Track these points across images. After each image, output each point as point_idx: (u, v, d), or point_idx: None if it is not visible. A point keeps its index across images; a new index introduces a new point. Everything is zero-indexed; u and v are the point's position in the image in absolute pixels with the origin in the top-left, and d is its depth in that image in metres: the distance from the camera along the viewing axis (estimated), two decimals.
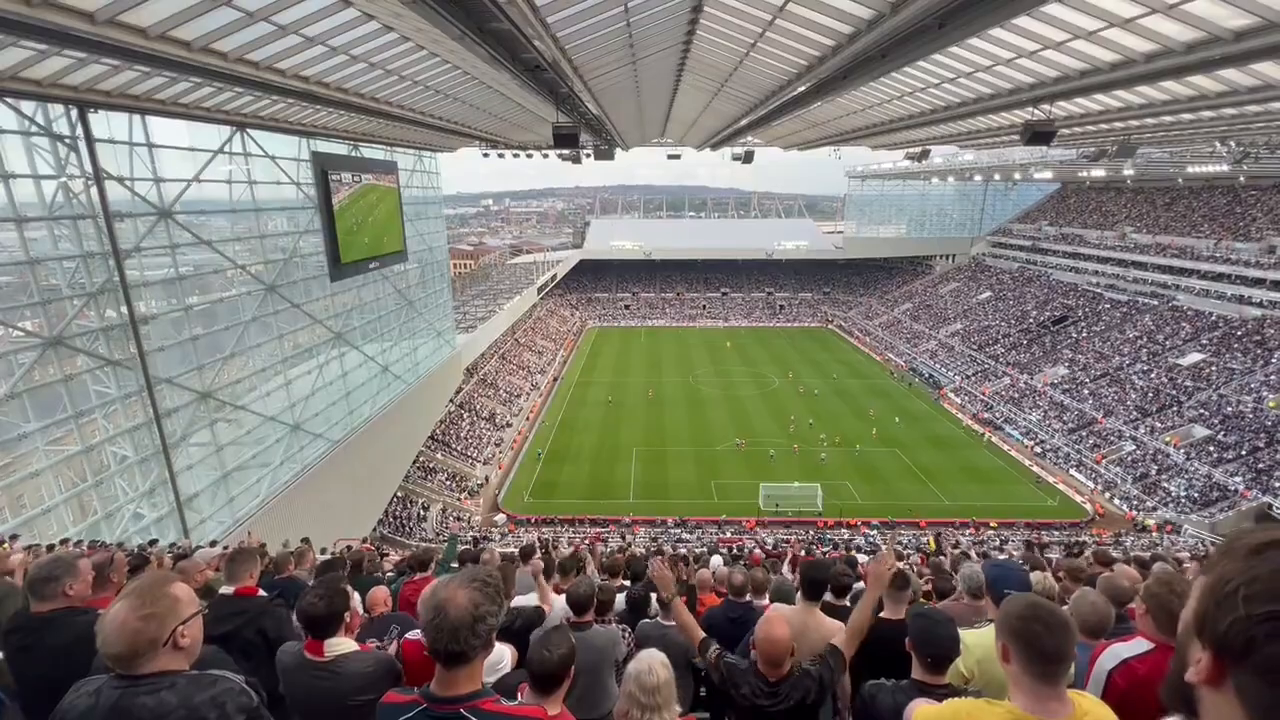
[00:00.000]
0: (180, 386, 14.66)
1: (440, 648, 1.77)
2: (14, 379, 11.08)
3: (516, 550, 8.03)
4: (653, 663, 2.28)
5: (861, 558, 10.29)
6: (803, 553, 14.67)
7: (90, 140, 11.82)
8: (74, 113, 11.46)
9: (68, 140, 11.60)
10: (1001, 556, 16.92)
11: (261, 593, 3.65)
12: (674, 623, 4.18)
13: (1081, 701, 1.75)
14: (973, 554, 17.30)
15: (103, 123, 12.12)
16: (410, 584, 5.29)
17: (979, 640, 2.88)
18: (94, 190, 12.16)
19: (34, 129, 11.14)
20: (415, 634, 3.25)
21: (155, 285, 14.32)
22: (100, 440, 12.91)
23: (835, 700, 3.53)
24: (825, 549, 21.02)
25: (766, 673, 2.81)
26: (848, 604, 4.22)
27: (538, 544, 11.84)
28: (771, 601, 4.61)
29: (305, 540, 10.42)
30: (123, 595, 1.74)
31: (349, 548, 10.50)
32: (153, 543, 10.88)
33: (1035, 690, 1.68)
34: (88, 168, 11.95)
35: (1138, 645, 2.53)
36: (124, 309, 12.90)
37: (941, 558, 10.73)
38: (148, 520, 13.80)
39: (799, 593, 3.89)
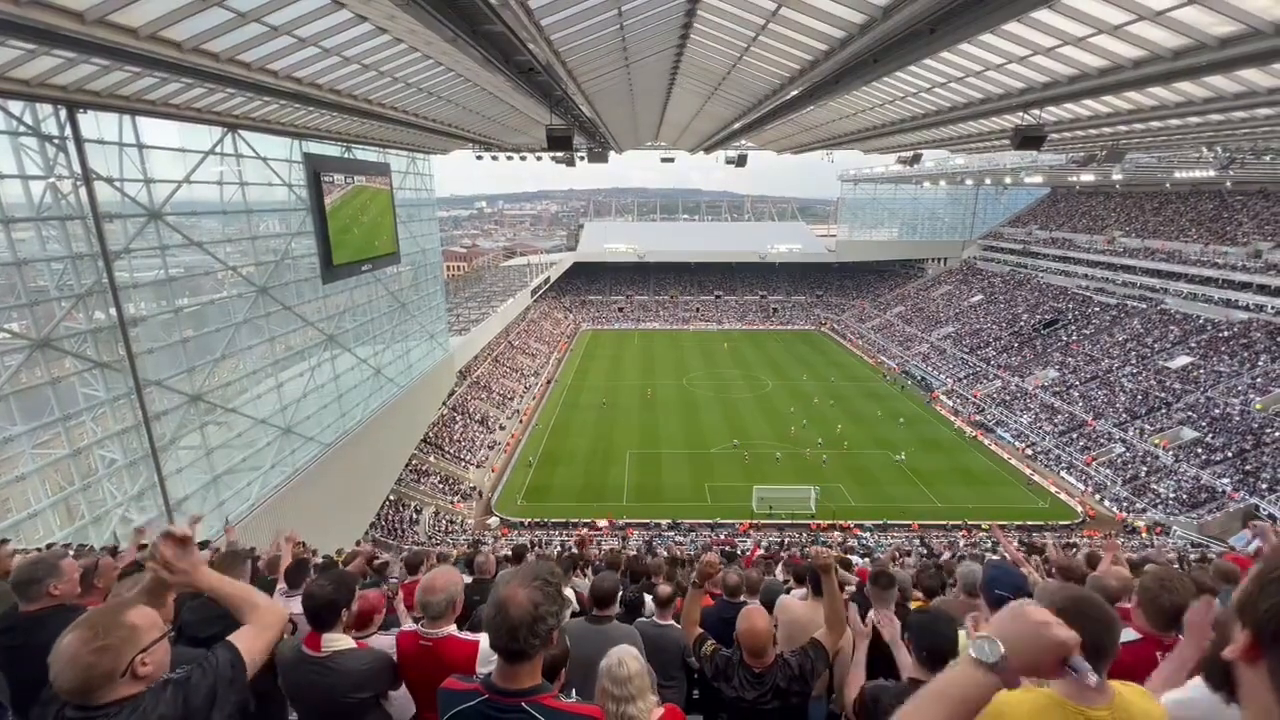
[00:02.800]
0: (170, 389, 14.53)
1: (500, 645, 1.80)
2: (0, 381, 10.94)
3: (509, 552, 7.99)
4: (623, 655, 2.31)
5: (855, 559, 10.31)
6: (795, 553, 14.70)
7: (79, 140, 11.71)
8: (63, 113, 11.35)
9: (56, 140, 11.48)
10: (994, 557, 17.00)
11: None
12: (670, 621, 4.20)
13: (1125, 691, 1.71)
14: (959, 551, 17.39)
15: (92, 123, 12.01)
16: (403, 585, 5.27)
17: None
18: (83, 191, 12.04)
19: (22, 129, 11.02)
20: (410, 627, 3.25)
21: (145, 287, 14.18)
22: (88, 443, 12.77)
23: (829, 695, 3.56)
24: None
25: (751, 663, 2.92)
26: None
27: (528, 546, 11.80)
28: (761, 602, 4.62)
29: (300, 544, 10.35)
30: (74, 626, 1.65)
31: (339, 550, 10.42)
32: (142, 547, 10.75)
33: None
34: (76, 168, 11.83)
35: (1125, 634, 2.59)
36: (113, 311, 12.77)
37: (929, 559, 10.78)
38: (136, 524, 13.65)
39: (808, 589, 3.96)
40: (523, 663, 1.83)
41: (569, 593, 4.30)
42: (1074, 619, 1.65)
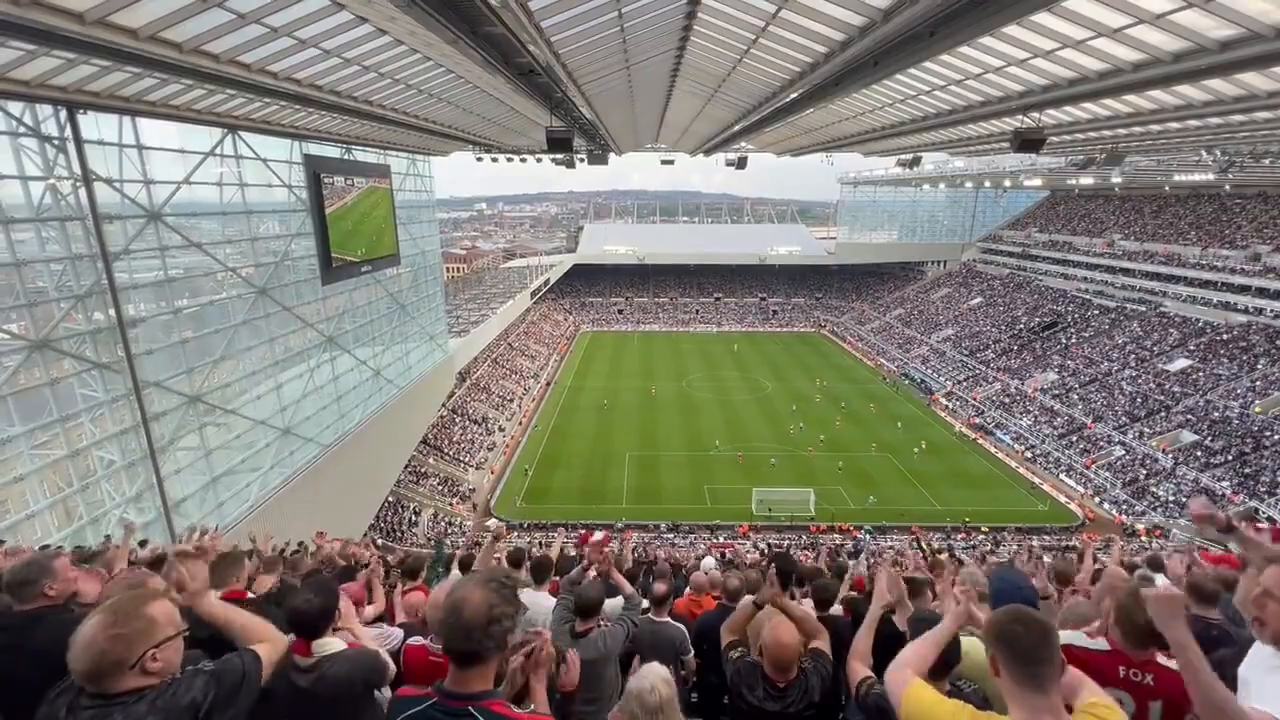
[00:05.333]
0: (169, 390, 14.50)
1: (454, 647, 1.77)
2: None
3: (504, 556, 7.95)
4: (655, 681, 2.19)
5: (851, 562, 10.23)
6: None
7: (79, 141, 11.70)
8: (63, 114, 11.34)
9: (56, 141, 11.47)
10: (995, 559, 16.98)
11: (249, 596, 3.61)
12: (665, 619, 4.23)
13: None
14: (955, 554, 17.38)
15: (92, 124, 12.00)
16: (402, 592, 5.21)
17: (974, 645, 2.87)
18: (82, 192, 12.03)
19: (22, 130, 11.02)
20: (417, 640, 3.22)
21: (144, 288, 14.17)
22: (86, 444, 12.74)
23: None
24: (814, 554, 21.04)
25: (775, 677, 2.86)
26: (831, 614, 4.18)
27: (527, 549, 11.74)
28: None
29: (301, 544, 10.33)
30: (99, 610, 1.70)
31: (300, 543, 10.31)
32: (143, 544, 10.73)
33: (1028, 700, 1.65)
34: (76, 169, 11.82)
35: (1097, 642, 2.61)
36: (112, 312, 12.75)
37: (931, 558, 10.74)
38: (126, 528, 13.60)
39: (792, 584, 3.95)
40: (474, 666, 1.80)
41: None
42: (1011, 626, 1.71)
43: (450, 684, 1.84)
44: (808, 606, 4.01)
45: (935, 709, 1.87)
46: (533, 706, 2.17)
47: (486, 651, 1.78)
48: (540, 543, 24.21)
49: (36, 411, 11.82)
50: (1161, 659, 2.46)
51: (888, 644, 3.09)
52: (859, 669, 2.65)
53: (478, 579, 1.83)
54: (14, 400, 11.31)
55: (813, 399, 44.30)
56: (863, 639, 2.80)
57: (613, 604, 4.92)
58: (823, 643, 3.05)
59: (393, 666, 3.07)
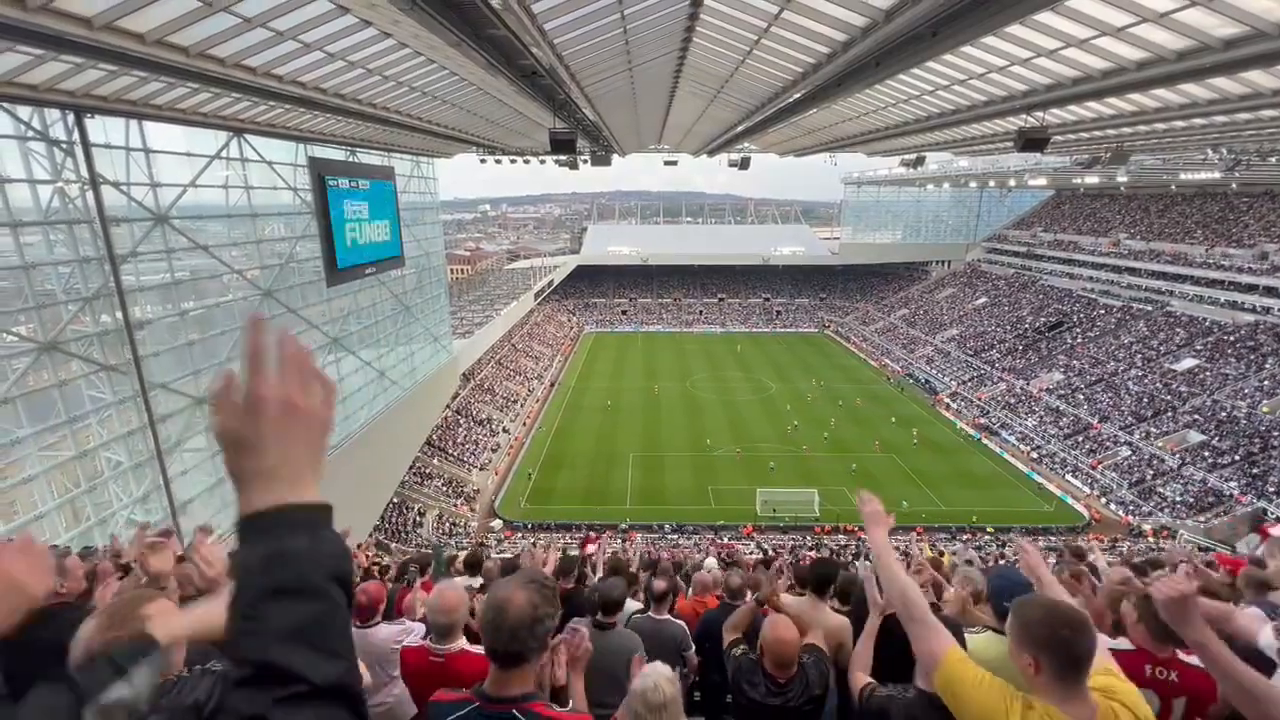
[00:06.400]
0: (175, 392, 14.59)
1: (499, 648, 1.79)
2: (8, 384, 11.01)
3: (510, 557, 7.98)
4: (659, 679, 2.19)
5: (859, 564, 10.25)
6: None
7: (87, 145, 11.80)
8: (70, 117, 11.44)
9: (64, 145, 11.57)
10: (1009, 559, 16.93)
11: None
12: (666, 616, 4.26)
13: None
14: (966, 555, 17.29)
15: (99, 127, 12.11)
16: (405, 590, 5.26)
17: (977, 643, 2.86)
18: (90, 195, 12.13)
19: (30, 134, 11.12)
20: (415, 641, 3.24)
21: (151, 290, 14.26)
22: (94, 446, 12.83)
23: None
24: (821, 556, 21.00)
25: (775, 674, 2.89)
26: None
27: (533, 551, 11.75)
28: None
29: None
30: (96, 613, 1.70)
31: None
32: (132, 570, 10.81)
33: (1070, 692, 1.68)
34: (84, 172, 11.92)
35: (1120, 642, 2.64)
36: (119, 314, 12.85)
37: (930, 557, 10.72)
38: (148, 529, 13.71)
39: (808, 587, 3.96)
40: (517, 667, 1.82)
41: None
42: (1059, 631, 1.68)
43: (491, 687, 1.84)
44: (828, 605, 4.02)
45: (980, 684, 1.83)
46: (571, 703, 2.20)
47: (529, 652, 1.80)
48: (542, 543, 24.25)
49: (45, 413, 11.90)
50: (1184, 656, 2.50)
51: (895, 647, 3.09)
52: (860, 677, 2.64)
53: (520, 580, 1.84)
54: (22, 402, 11.40)
55: (806, 398, 44.32)
56: (863, 647, 2.79)
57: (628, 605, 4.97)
58: (817, 638, 3.09)
59: (369, 678, 3.11)
